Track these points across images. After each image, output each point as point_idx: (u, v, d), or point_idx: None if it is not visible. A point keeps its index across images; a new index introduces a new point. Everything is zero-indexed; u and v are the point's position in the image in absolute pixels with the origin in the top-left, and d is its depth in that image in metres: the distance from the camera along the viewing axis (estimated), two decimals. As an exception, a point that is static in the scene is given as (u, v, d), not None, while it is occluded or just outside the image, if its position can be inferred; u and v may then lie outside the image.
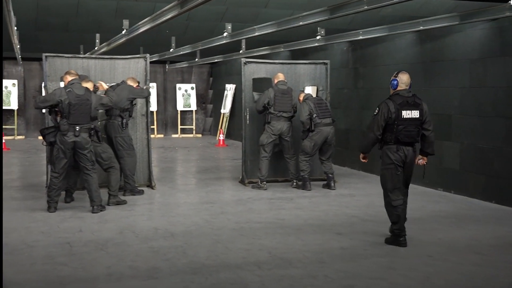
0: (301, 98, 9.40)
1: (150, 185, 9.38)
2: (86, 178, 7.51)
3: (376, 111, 5.95)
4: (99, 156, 7.84)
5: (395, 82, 6.00)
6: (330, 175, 9.32)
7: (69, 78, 7.52)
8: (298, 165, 9.47)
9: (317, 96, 9.78)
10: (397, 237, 5.99)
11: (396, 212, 5.96)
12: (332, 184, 9.27)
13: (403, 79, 6.01)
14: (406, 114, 5.87)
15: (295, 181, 9.50)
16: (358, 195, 8.88)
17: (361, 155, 6.31)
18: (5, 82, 17.84)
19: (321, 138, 9.15)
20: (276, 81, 9.41)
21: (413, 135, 5.94)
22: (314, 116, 9.07)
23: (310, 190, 9.12)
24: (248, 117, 9.85)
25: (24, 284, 4.78)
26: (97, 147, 7.81)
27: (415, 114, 5.90)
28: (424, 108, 5.98)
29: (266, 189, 9.23)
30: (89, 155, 7.48)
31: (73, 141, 7.32)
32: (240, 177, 10.00)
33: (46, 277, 4.94)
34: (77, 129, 7.30)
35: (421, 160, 6.16)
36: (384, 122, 5.90)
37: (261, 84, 11.00)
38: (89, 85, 7.63)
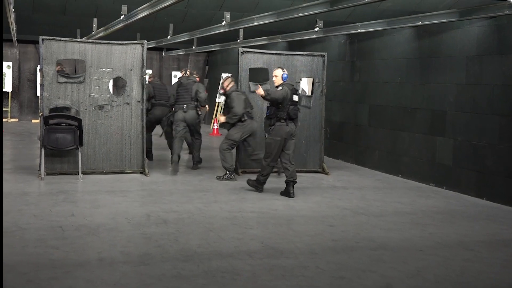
0: (227, 87, 9.14)
1: (143, 172, 9.38)
2: None
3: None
4: None
5: (286, 75, 7.99)
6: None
7: None
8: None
9: (313, 87, 9.69)
10: (261, 184, 8.15)
11: (269, 170, 8.07)
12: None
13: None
14: (294, 98, 7.91)
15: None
16: (350, 188, 8.90)
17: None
18: None
19: (248, 131, 9.08)
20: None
21: (296, 113, 8.00)
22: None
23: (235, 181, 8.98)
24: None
25: (15, 266, 4.77)
26: None
27: (296, 98, 7.98)
28: (299, 95, 8.30)
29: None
30: None
31: None
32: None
33: (38, 260, 4.94)
34: None
35: None
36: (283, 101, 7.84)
37: (257, 74, 10.99)
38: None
